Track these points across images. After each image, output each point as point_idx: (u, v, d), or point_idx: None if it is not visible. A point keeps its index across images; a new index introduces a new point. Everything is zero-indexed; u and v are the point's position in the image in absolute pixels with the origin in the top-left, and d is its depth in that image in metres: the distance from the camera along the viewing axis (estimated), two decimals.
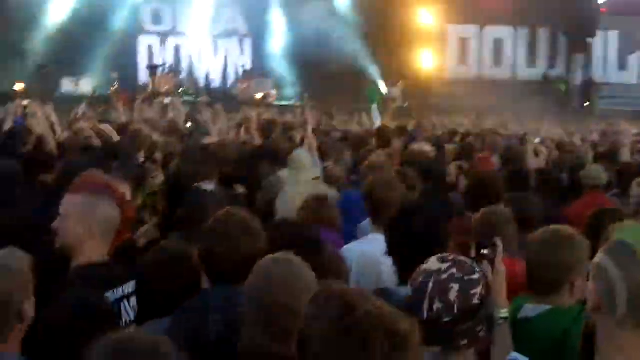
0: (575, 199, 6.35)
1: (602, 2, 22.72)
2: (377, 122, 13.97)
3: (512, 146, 9.04)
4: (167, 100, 15.58)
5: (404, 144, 9.05)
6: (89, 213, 3.32)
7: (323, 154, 7.51)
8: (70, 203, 3.38)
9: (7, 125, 8.37)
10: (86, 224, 3.29)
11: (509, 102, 19.45)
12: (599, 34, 22.66)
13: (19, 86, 20.58)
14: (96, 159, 6.06)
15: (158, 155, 7.03)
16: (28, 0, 23.80)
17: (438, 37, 22.52)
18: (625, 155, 8.45)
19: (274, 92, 23.11)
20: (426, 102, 20.78)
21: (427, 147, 8.46)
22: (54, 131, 8.26)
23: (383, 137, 9.33)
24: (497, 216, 4.23)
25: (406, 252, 3.37)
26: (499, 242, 2.97)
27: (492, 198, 4.95)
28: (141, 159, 6.93)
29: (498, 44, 23.01)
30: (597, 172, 6.61)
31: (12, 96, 16.80)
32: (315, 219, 4.54)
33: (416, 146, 8.52)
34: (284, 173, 6.28)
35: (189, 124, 10.50)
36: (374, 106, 17.60)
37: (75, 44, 23.32)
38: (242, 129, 9.65)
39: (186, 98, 20.74)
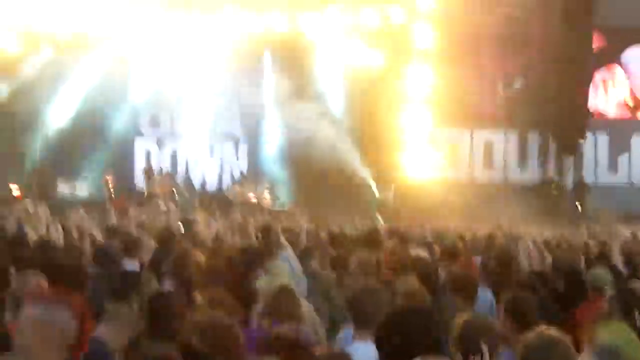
0: (573, 302, 6.37)
1: (591, 105, 23.18)
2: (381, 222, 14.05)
3: (506, 249, 9.12)
4: (161, 203, 15.72)
5: (394, 247, 9.12)
6: (45, 324, 3.29)
7: (308, 254, 7.58)
8: (26, 314, 3.36)
9: (11, 229, 8.38)
10: (42, 334, 3.27)
11: (501, 205, 19.60)
12: (589, 136, 23.01)
13: (15, 189, 20.69)
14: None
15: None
16: (29, 104, 24.22)
17: (428, 140, 22.79)
18: (616, 257, 8.51)
19: (268, 195, 23.27)
20: (417, 205, 20.88)
21: (423, 252, 8.52)
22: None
23: (375, 239, 9.42)
24: (480, 323, 4.24)
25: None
26: (484, 348, 3.01)
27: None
28: (136, 265, 6.96)
29: (488, 147, 23.31)
30: (603, 276, 6.67)
31: (10, 199, 16.96)
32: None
33: (413, 252, 8.56)
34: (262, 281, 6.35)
35: (182, 228, 10.57)
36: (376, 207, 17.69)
37: (73, 147, 23.68)
38: (238, 233, 9.72)
39: (181, 201, 20.90)
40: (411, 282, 6.09)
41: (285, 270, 6.66)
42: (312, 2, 23.17)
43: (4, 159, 23.80)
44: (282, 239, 8.28)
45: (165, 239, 8.64)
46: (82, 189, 22.75)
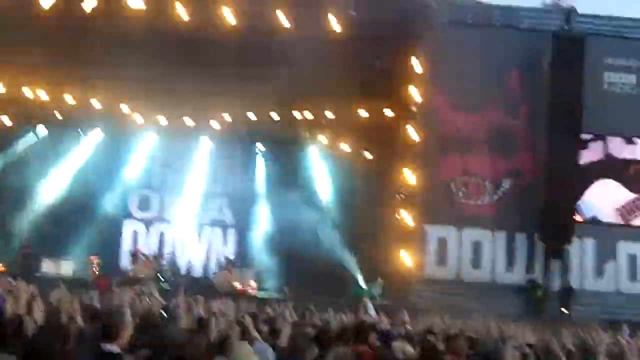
0: None
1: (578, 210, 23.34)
2: (373, 313, 13.91)
3: (492, 350, 9.03)
4: (144, 287, 15.65)
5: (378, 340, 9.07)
6: None
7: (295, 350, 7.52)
8: None
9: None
10: None
11: (488, 305, 19.56)
12: (575, 240, 23.08)
13: None
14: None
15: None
16: (19, 180, 24.29)
17: (417, 236, 22.83)
18: None
19: (254, 283, 23.16)
20: (404, 300, 20.79)
21: (409, 347, 8.44)
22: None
23: (361, 332, 9.34)
24: None
25: None
26: None
27: None
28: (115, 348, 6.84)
29: (477, 247, 23.34)
30: None
31: None
32: None
33: (398, 345, 8.50)
34: None
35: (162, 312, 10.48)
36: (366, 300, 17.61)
37: (61, 225, 23.64)
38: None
39: (164, 285, 20.76)
40: None
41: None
42: (303, 97, 23.55)
43: None
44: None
45: (146, 322, 8.56)
46: (67, 267, 22.57)
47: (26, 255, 23.20)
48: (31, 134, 25.32)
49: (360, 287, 22.71)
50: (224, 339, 7.39)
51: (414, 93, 22.87)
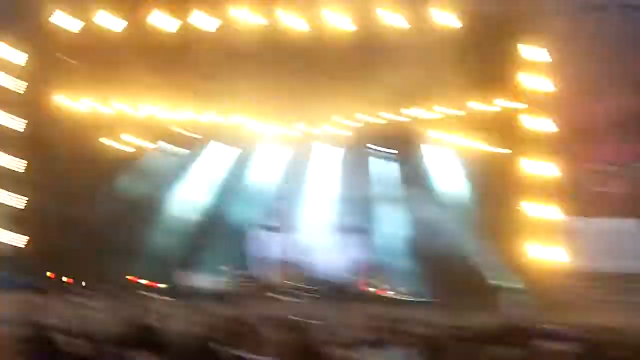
0: None
1: None
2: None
3: None
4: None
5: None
6: None
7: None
8: None
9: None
10: None
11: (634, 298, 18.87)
12: None
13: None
14: None
15: None
16: (150, 199, 24.94)
17: (555, 229, 22.20)
18: None
19: (388, 286, 22.96)
20: (547, 295, 20.26)
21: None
22: None
23: (516, 335, 8.99)
24: None
25: None
26: None
27: None
28: None
29: (616, 237, 22.51)
30: None
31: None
32: None
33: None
34: None
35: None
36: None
37: (195, 240, 24.18)
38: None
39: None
40: None
41: None
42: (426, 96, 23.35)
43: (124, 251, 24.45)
44: None
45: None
46: (203, 281, 23.01)
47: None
48: (156, 151, 25.98)
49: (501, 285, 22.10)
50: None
51: (539, 82, 22.35)
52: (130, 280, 23.30)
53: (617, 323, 11.59)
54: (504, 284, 22.23)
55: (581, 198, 22.47)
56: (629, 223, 22.52)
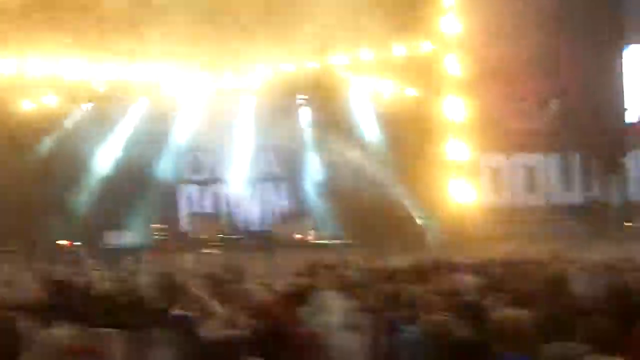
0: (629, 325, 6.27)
1: (633, 121, 22.99)
2: None
3: (559, 275, 9.00)
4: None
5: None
6: None
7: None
8: None
9: None
10: None
11: (547, 229, 19.49)
12: (632, 153, 22.78)
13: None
14: None
15: None
16: (71, 158, 24.67)
17: (469, 167, 22.71)
18: None
19: (312, 232, 23.26)
20: (463, 234, 20.83)
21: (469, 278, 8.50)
22: None
23: (420, 271, 9.39)
24: None
25: None
26: None
27: None
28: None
29: (529, 171, 23.17)
30: None
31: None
32: None
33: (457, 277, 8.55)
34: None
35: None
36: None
37: (118, 197, 24.05)
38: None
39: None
40: None
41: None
42: (342, 41, 23.44)
43: (50, 214, 24.25)
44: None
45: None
46: (130, 238, 22.93)
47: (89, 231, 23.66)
48: (78, 110, 25.64)
49: (418, 224, 22.63)
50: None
51: (453, 24, 22.60)
52: (57, 243, 23.13)
53: (520, 255, 12.24)
54: (423, 223, 22.84)
55: (498, 135, 22.94)
56: (544, 158, 23.11)
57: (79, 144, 24.63)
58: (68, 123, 25.29)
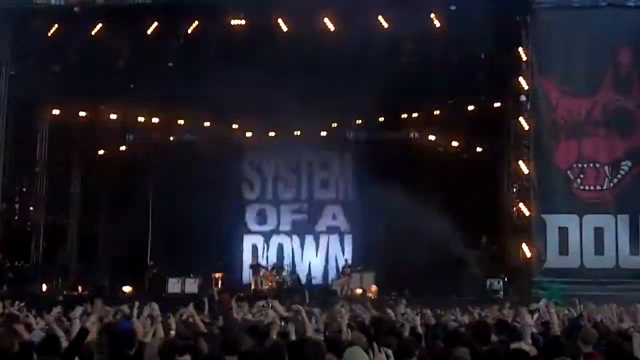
0: None
1: None
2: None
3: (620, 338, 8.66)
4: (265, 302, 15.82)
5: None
6: None
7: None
8: None
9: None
10: None
11: (615, 291, 18.88)
12: None
13: (127, 288, 21.26)
14: None
15: None
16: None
17: (536, 227, 22.25)
18: None
19: (374, 287, 22.97)
20: (527, 293, 20.38)
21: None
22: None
23: (481, 331, 9.02)
24: None
25: None
26: None
27: None
28: None
29: (599, 233, 22.55)
30: None
31: (121, 298, 17.42)
32: None
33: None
34: None
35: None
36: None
37: (182, 244, 24.34)
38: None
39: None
40: None
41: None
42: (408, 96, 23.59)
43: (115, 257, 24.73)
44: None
45: (262, 334, 8.62)
46: (192, 286, 23.04)
47: (155, 276, 23.93)
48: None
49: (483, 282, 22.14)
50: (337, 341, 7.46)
51: (522, 82, 22.43)
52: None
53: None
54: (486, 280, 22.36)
55: (567, 196, 22.44)
56: (615, 220, 22.51)
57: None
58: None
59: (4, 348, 6.64)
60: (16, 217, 24.06)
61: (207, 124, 25.71)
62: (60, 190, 25.35)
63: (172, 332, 8.62)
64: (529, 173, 22.08)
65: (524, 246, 21.95)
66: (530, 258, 21.73)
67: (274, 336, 8.37)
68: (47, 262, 24.00)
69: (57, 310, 11.70)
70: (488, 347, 7.92)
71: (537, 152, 22.23)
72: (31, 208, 24.26)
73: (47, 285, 22.70)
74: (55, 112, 24.46)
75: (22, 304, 12.57)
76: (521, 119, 22.46)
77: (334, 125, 25.56)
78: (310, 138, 25.65)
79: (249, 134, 26.05)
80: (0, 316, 10.87)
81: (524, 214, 22.12)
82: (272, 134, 25.84)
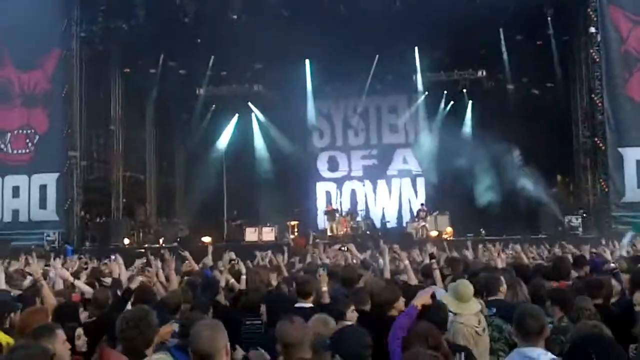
0: None
1: None
2: (623, 251, 12.71)
3: None
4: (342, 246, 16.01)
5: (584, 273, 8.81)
6: None
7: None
8: None
9: (222, 281, 8.72)
10: None
11: None
12: None
13: (206, 239, 21.64)
14: None
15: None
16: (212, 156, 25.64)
17: (612, 161, 21.79)
18: None
19: (449, 229, 22.93)
20: (608, 228, 20.10)
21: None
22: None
23: (562, 268, 9.03)
24: None
25: None
26: None
27: None
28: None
29: None
30: None
31: (201, 247, 17.81)
32: None
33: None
34: None
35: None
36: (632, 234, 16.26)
37: (258, 194, 24.70)
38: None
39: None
40: None
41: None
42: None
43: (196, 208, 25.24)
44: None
45: (348, 278, 8.74)
46: (269, 234, 23.34)
47: (237, 227, 24.34)
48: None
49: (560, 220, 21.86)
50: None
51: (591, 14, 21.86)
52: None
53: None
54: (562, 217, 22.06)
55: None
56: None
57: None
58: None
59: (99, 300, 6.99)
60: (96, 175, 24.60)
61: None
62: (136, 147, 25.85)
63: (243, 277, 8.83)
64: (602, 106, 21.62)
65: (601, 181, 21.63)
66: (607, 193, 21.41)
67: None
68: (127, 216, 24.63)
69: (140, 261, 12.28)
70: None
71: (609, 84, 21.74)
72: (108, 165, 24.78)
73: (129, 239, 23.28)
74: (126, 70, 24.87)
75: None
76: (591, 51, 21.94)
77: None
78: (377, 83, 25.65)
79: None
80: (85, 270, 11.27)
81: (600, 148, 21.72)
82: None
